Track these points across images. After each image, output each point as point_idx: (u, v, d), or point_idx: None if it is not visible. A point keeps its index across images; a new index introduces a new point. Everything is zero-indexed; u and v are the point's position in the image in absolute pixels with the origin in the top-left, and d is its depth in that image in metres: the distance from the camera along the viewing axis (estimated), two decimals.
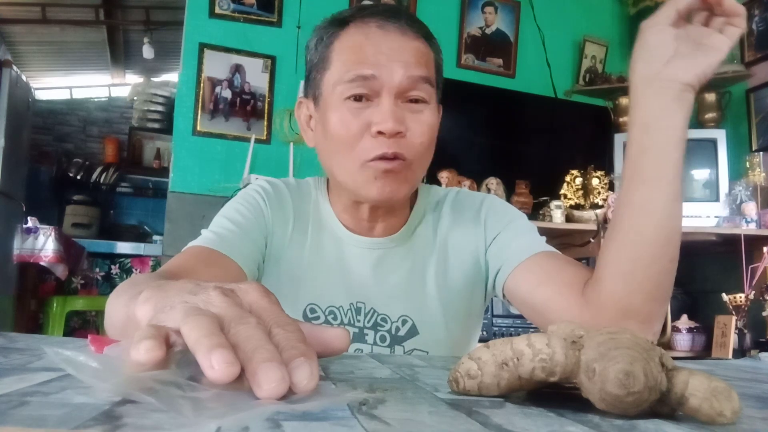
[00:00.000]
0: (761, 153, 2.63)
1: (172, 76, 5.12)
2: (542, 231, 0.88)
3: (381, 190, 0.77)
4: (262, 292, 0.39)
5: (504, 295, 0.84)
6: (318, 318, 0.83)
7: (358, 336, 0.83)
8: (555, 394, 0.40)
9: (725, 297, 2.31)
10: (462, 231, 0.88)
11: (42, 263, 3.32)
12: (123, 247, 4.20)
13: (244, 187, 0.94)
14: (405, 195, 0.81)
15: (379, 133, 0.75)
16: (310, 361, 0.32)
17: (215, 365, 0.30)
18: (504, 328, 2.43)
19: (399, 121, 0.75)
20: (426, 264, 0.87)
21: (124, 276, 4.03)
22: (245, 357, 0.31)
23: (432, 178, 2.50)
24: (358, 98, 0.76)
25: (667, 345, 2.53)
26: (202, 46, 2.66)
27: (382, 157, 0.75)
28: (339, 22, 0.80)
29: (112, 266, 4.08)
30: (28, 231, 3.33)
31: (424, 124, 0.78)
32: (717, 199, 2.60)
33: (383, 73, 0.75)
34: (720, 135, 2.65)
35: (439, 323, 0.85)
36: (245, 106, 2.71)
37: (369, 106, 0.76)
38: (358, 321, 0.83)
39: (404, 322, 0.84)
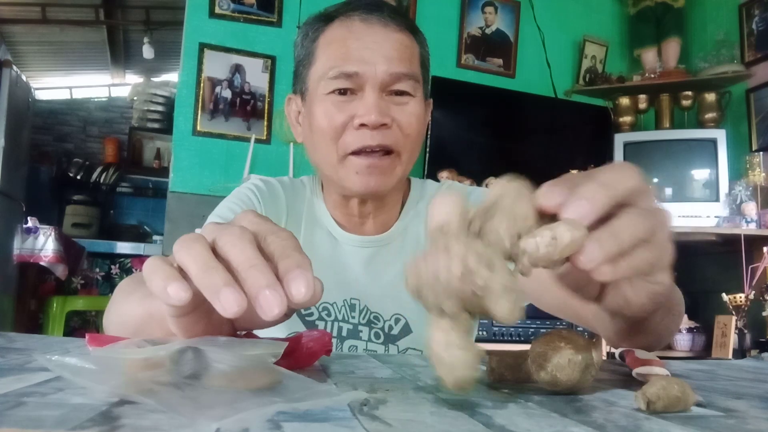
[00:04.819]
0: (761, 153, 2.63)
1: (172, 76, 5.12)
2: None
3: (365, 183, 0.77)
4: (255, 214, 0.39)
5: None
6: (311, 314, 0.83)
7: (353, 332, 0.83)
8: (554, 392, 0.39)
9: (725, 297, 2.31)
10: None
11: (42, 263, 3.32)
12: (123, 247, 4.20)
13: None
14: (391, 187, 0.81)
15: (362, 125, 0.75)
16: (305, 271, 0.33)
17: (226, 307, 0.31)
18: (504, 329, 2.42)
19: (382, 114, 0.75)
20: None
21: (124, 276, 4.03)
22: (242, 279, 0.32)
23: (432, 178, 2.49)
24: (342, 92, 0.77)
25: (667, 345, 2.53)
26: (202, 46, 2.66)
27: (363, 150, 0.76)
28: (324, 18, 0.81)
29: (112, 266, 4.08)
30: (28, 231, 3.33)
31: (410, 115, 0.78)
32: (717, 199, 2.60)
33: (366, 69, 0.76)
34: (720, 135, 2.65)
35: None
36: (245, 106, 2.71)
37: (353, 100, 0.77)
38: (353, 317, 0.83)
39: (397, 320, 0.84)
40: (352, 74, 0.76)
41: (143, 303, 0.49)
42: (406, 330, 0.84)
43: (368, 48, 0.76)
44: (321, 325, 0.83)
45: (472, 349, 0.32)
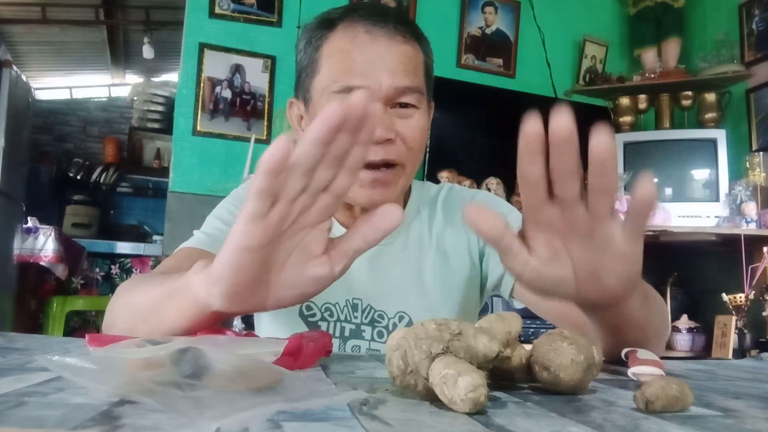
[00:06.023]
0: (761, 153, 2.63)
1: (172, 76, 5.12)
2: None
3: (369, 196, 0.77)
4: None
5: (511, 295, 0.85)
6: (314, 315, 0.83)
7: (356, 332, 0.83)
8: (549, 391, 0.40)
9: (725, 297, 2.30)
10: (455, 229, 0.88)
11: (42, 263, 3.31)
12: (123, 247, 4.19)
13: None
14: (394, 199, 0.81)
15: None
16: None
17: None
18: None
19: (387, 129, 0.75)
20: (423, 260, 0.86)
21: (124, 276, 4.03)
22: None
23: (432, 178, 2.50)
24: None
25: (667, 345, 2.53)
26: (202, 46, 2.66)
27: (369, 165, 0.75)
28: (327, 24, 0.79)
29: (112, 266, 4.07)
30: (28, 231, 3.32)
31: (414, 128, 0.78)
32: (717, 199, 2.60)
33: (371, 83, 0.75)
34: (720, 135, 2.64)
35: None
36: (245, 106, 2.71)
37: None
38: (355, 317, 0.83)
39: (401, 318, 0.84)
40: (357, 88, 0.75)
41: (162, 285, 0.54)
42: None
43: (372, 62, 0.75)
44: (323, 325, 0.83)
45: (470, 366, 0.33)
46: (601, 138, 0.38)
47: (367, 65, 0.75)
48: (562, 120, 0.39)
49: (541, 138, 0.39)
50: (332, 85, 0.76)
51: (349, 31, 0.78)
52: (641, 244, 0.43)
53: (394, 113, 0.77)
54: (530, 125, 0.39)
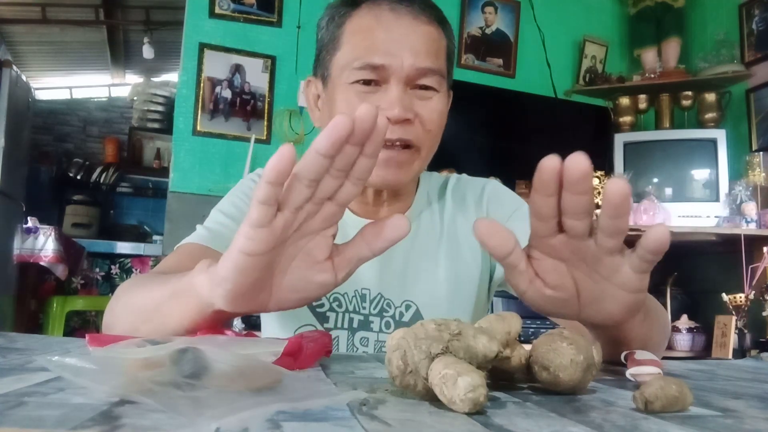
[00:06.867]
0: (761, 153, 2.63)
1: (172, 76, 5.12)
2: None
3: (383, 176, 0.77)
4: None
5: None
6: (322, 306, 0.82)
7: (364, 324, 0.82)
8: (552, 392, 0.40)
9: (725, 297, 2.30)
10: (466, 219, 0.88)
11: (42, 263, 3.31)
12: (123, 247, 4.20)
13: None
14: (407, 181, 0.81)
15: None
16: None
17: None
18: None
19: (406, 108, 0.74)
20: (433, 249, 0.86)
21: (125, 276, 4.03)
22: None
23: None
24: (366, 82, 0.76)
25: (667, 345, 2.53)
26: (202, 46, 2.66)
27: (385, 144, 0.74)
28: (351, 1, 0.79)
29: (112, 266, 4.07)
30: (28, 231, 3.32)
31: (432, 111, 0.78)
32: (717, 199, 2.60)
33: (393, 62, 0.74)
34: (720, 135, 2.64)
35: (444, 310, 0.83)
36: (245, 106, 2.71)
37: (377, 91, 0.76)
38: (363, 308, 0.82)
39: (408, 307, 0.83)
40: (378, 66, 0.74)
41: (164, 286, 0.54)
42: (417, 317, 0.82)
43: (396, 40, 0.75)
44: (332, 316, 0.82)
45: (470, 366, 0.33)
46: (618, 184, 0.38)
47: (390, 43, 0.75)
48: (579, 160, 0.38)
49: (557, 174, 0.39)
50: (353, 62, 0.75)
51: (373, 9, 0.77)
52: (647, 279, 0.43)
53: (414, 94, 0.76)
54: (548, 161, 0.39)
